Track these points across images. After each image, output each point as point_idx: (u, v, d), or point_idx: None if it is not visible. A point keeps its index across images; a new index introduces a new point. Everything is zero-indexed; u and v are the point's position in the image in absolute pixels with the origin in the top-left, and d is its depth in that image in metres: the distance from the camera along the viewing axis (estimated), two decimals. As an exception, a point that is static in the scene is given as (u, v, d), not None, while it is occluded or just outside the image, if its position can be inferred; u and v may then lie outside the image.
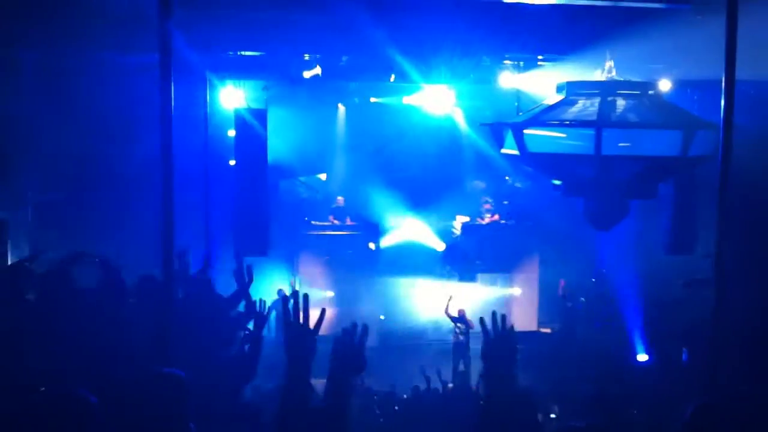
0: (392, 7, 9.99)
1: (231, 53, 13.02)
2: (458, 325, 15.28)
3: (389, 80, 14.31)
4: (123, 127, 13.83)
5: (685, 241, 14.22)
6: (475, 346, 15.33)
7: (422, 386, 11.42)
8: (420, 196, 18.37)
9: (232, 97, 14.30)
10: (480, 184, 18.97)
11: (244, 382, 6.34)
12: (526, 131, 9.36)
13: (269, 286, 15.39)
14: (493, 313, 3.70)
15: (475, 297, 17.01)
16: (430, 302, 17.04)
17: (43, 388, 5.22)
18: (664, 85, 12.72)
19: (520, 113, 11.69)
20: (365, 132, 18.10)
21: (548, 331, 17.58)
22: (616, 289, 16.85)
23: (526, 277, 17.86)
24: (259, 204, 13.23)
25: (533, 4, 9.95)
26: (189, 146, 13.61)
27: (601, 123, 8.89)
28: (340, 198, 17.98)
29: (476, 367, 14.33)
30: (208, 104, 13.07)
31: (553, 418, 10.57)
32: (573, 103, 9.58)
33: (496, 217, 17.86)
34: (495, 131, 10.23)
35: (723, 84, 5.06)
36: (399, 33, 11.04)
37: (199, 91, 12.77)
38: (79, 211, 13.51)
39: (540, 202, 16.29)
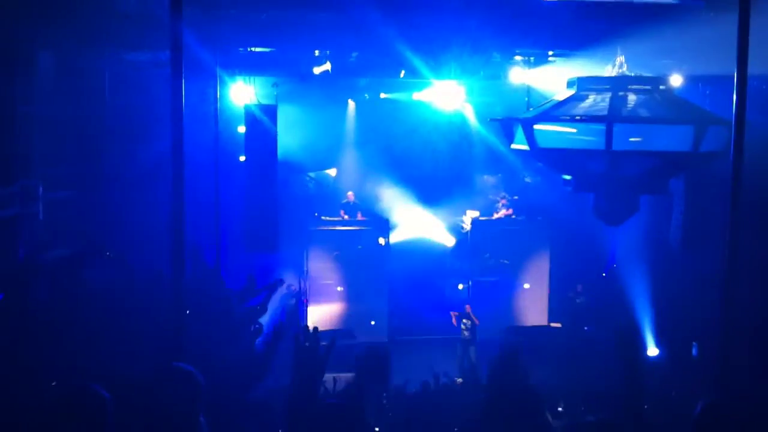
0: (402, 4, 9.98)
1: (241, 50, 13.05)
2: (464, 320, 15.29)
3: (399, 76, 14.32)
4: (135, 124, 13.89)
5: (697, 237, 14.15)
6: (482, 340, 15.36)
7: (431, 382, 11.43)
8: (430, 192, 18.37)
9: (242, 93, 14.34)
10: (490, 179, 18.94)
11: (255, 379, 6.37)
12: (536, 126, 9.34)
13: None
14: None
15: (484, 292, 17.00)
16: (440, 297, 17.05)
17: (54, 383, 5.27)
18: (676, 81, 12.67)
19: (531, 109, 11.67)
20: (375, 128, 18.10)
21: (558, 326, 17.54)
22: (626, 284, 16.80)
23: (536, 272, 17.82)
24: (269, 200, 13.27)
25: (544, 0, 9.93)
26: (199, 143, 13.68)
27: (611, 118, 8.86)
28: (350, 193, 17.98)
29: (483, 362, 14.33)
30: (218, 100, 13.10)
31: (560, 412, 10.57)
32: (584, 98, 9.55)
33: (510, 211, 17.85)
34: (505, 127, 10.22)
35: (735, 80, 5.03)
36: (409, 29, 11.03)
37: (209, 87, 12.81)
38: (90, 208, 13.58)
39: (550, 198, 16.26)
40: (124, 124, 14.06)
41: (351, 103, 18.55)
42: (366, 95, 18.03)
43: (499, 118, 10.83)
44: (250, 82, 14.30)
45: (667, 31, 10.37)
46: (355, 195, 18.11)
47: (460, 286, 17.12)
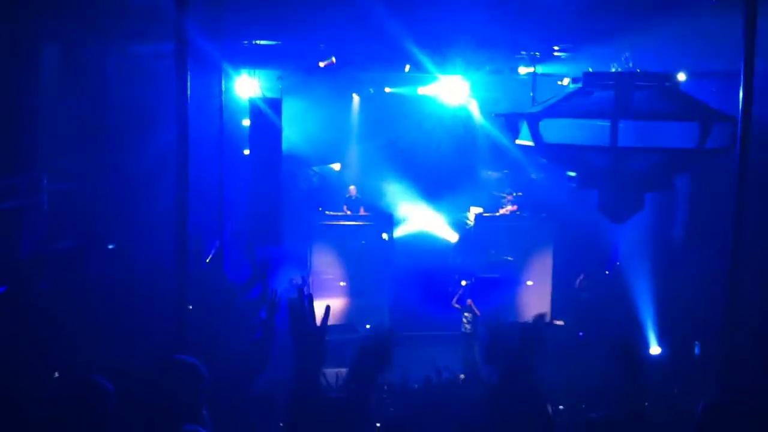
0: (408, 1, 9.96)
1: (246, 43, 13.04)
2: (466, 314, 15.27)
3: (404, 70, 14.30)
4: (139, 116, 13.90)
5: (701, 234, 14.12)
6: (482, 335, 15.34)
7: (434, 377, 11.43)
8: (434, 187, 18.34)
9: (247, 86, 14.34)
10: (494, 175, 18.90)
11: (257, 372, 6.37)
12: (541, 122, 9.31)
13: (283, 275, 15.41)
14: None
15: (487, 288, 16.98)
16: (443, 293, 17.03)
17: (56, 374, 5.28)
18: (681, 77, 12.62)
19: (536, 104, 11.64)
20: (380, 122, 18.07)
21: (561, 323, 17.51)
22: (629, 281, 16.77)
23: (539, 269, 17.79)
24: (273, 193, 13.26)
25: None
26: (204, 136, 13.67)
27: (617, 114, 8.83)
28: (352, 187, 17.97)
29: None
30: (223, 94, 13.08)
31: (561, 410, 10.56)
32: (589, 94, 9.52)
33: (514, 207, 17.81)
34: (510, 122, 10.19)
35: (741, 75, 5.00)
36: (414, 23, 11.01)
37: (214, 80, 12.79)
38: (94, 200, 13.60)
39: (555, 194, 16.22)
40: (128, 116, 14.07)
41: (356, 97, 18.52)
42: (371, 89, 18.00)
43: (504, 113, 10.81)
44: (254, 75, 14.28)
45: (672, 25, 10.33)
46: (359, 189, 18.09)
47: (463, 282, 17.09)
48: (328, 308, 3.70)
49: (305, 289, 3.63)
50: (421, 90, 16.85)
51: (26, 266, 6.35)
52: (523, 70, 13.90)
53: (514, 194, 17.90)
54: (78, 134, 13.02)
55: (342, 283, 17.17)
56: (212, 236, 11.75)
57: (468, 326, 15.23)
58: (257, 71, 14.41)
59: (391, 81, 17.32)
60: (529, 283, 17.80)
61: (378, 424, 5.70)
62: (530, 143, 9.51)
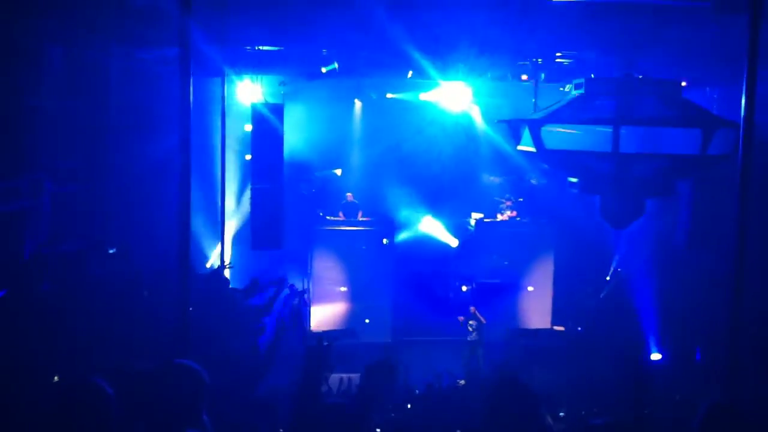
0: (410, 4, 9.96)
1: (249, 48, 13.06)
2: (471, 322, 15.25)
3: (407, 76, 14.30)
4: (141, 120, 13.91)
5: (703, 239, 14.12)
6: (488, 342, 15.33)
7: (435, 383, 11.43)
8: (435, 193, 18.33)
9: (249, 91, 14.35)
10: (495, 180, 18.90)
11: (258, 377, 6.37)
12: (543, 128, 9.32)
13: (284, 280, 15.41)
14: None
15: (488, 294, 16.97)
16: (443, 298, 17.03)
17: (56, 377, 5.28)
18: (683, 83, 12.64)
19: (538, 110, 11.65)
20: (381, 128, 18.07)
21: (561, 329, 17.50)
22: (631, 287, 16.77)
23: (540, 274, 17.78)
24: (274, 198, 13.28)
25: (552, 1, 9.90)
26: (206, 140, 13.72)
27: (619, 120, 8.84)
28: (349, 194, 17.99)
29: (488, 364, 14.32)
30: (225, 98, 13.12)
31: (562, 417, 10.54)
32: (591, 100, 9.53)
33: (514, 213, 17.80)
34: (512, 128, 10.20)
35: (744, 82, 5.00)
36: (416, 29, 11.01)
37: (216, 85, 12.83)
38: (96, 203, 13.60)
39: (556, 200, 16.22)
40: (130, 119, 14.09)
41: (357, 103, 18.54)
42: (373, 95, 18.02)
43: (506, 119, 10.83)
44: (257, 80, 14.31)
45: (675, 32, 10.34)
46: (361, 194, 18.10)
47: (464, 288, 17.08)
48: (327, 347, 3.69)
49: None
50: (423, 96, 16.85)
51: (28, 268, 6.35)
52: (525, 76, 13.89)
53: (514, 200, 17.90)
54: (80, 136, 13.03)
55: (343, 288, 17.16)
56: (214, 240, 11.77)
57: (474, 334, 15.18)
58: (260, 76, 14.42)
59: (393, 87, 17.33)
60: (530, 288, 17.78)
61: (378, 430, 5.70)
62: (532, 149, 9.52)
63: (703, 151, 8.64)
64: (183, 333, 5.04)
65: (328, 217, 17.52)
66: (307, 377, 3.53)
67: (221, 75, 12.50)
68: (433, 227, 18.67)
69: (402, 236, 18.18)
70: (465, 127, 18.14)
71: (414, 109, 17.50)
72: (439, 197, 18.39)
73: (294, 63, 13.78)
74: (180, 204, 5.20)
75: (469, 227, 17.96)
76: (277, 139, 13.13)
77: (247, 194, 13.70)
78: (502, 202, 17.89)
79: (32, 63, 11.08)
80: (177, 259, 5.22)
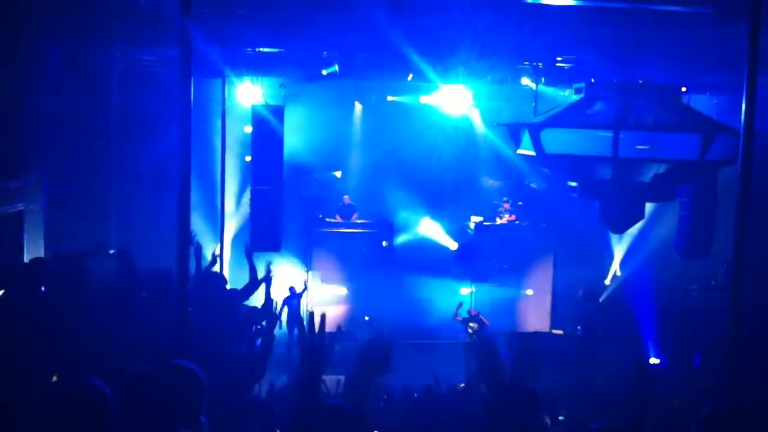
0: (410, 7, 9.97)
1: (249, 50, 13.06)
2: (471, 324, 15.22)
3: (407, 79, 14.31)
4: (141, 122, 13.92)
5: (701, 245, 14.13)
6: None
7: (434, 386, 11.41)
8: (435, 196, 18.35)
9: (249, 93, 14.35)
10: (493, 183, 18.88)
11: (256, 378, 6.35)
12: (543, 132, 9.33)
13: (283, 281, 15.41)
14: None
15: (487, 297, 16.97)
16: (443, 301, 17.01)
17: (54, 378, 5.27)
18: (683, 89, 12.65)
19: (538, 114, 11.65)
20: (381, 130, 18.08)
21: (560, 332, 17.49)
22: (629, 291, 16.77)
23: (539, 278, 17.78)
24: (273, 200, 13.27)
25: (552, 5, 9.91)
26: (206, 142, 13.72)
27: (619, 125, 8.85)
28: (346, 197, 18.02)
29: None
30: (225, 100, 13.11)
31: (561, 420, 10.53)
32: (591, 104, 9.55)
33: (513, 217, 17.79)
34: (512, 131, 10.23)
35: (744, 88, 5.00)
36: (417, 32, 11.02)
37: (217, 86, 12.83)
38: (95, 204, 13.60)
39: (556, 204, 16.23)
40: (130, 121, 14.10)
41: (358, 105, 18.55)
42: (373, 98, 18.02)
43: (506, 123, 10.84)
44: (257, 82, 14.31)
45: (675, 37, 10.35)
46: (361, 197, 18.11)
47: (463, 291, 17.08)
48: (323, 316, 3.70)
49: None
50: (424, 99, 16.86)
51: (26, 269, 6.34)
52: (525, 79, 13.91)
53: (512, 202, 17.89)
54: (80, 138, 13.03)
55: (342, 290, 17.16)
56: (213, 242, 11.76)
57: (474, 336, 15.15)
58: (260, 78, 14.42)
59: (394, 89, 17.34)
60: (529, 292, 17.78)
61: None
62: (532, 153, 9.53)
63: (703, 157, 8.65)
64: (181, 334, 5.04)
65: (327, 219, 17.53)
66: (304, 374, 3.52)
67: (221, 76, 12.51)
68: (432, 230, 18.67)
69: (401, 239, 18.19)
70: (465, 130, 18.15)
71: (414, 112, 17.50)
72: (438, 200, 18.41)
73: (294, 65, 13.79)
74: (179, 205, 5.20)
75: (469, 230, 17.95)
76: (277, 141, 13.12)
77: (247, 196, 13.68)
78: (501, 205, 17.89)
79: (32, 64, 11.08)
80: (176, 261, 5.22)
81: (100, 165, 13.92)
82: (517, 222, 17.82)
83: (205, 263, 6.93)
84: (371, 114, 18.42)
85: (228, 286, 7.37)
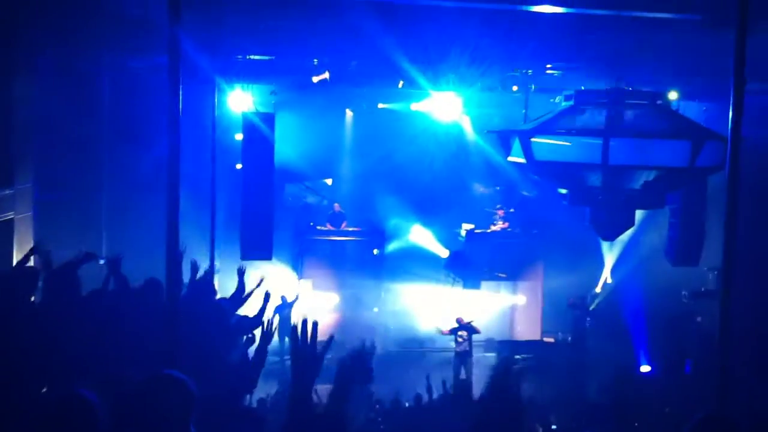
0: (401, 14, 9.99)
1: (240, 57, 13.06)
2: (460, 332, 15.18)
3: (397, 86, 14.33)
4: (132, 129, 13.89)
5: (691, 252, 14.18)
6: (477, 354, 15.31)
7: (424, 394, 11.38)
8: (426, 203, 18.35)
9: (240, 100, 14.34)
10: (484, 190, 18.88)
11: (246, 389, 6.33)
12: (533, 139, 9.36)
13: (274, 290, 15.34)
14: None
15: (478, 305, 16.97)
16: (434, 309, 17.02)
17: (44, 389, 5.23)
18: (672, 96, 12.71)
19: (528, 121, 11.69)
20: (372, 137, 18.09)
21: (551, 340, 17.52)
22: (620, 299, 16.82)
23: (530, 286, 17.80)
24: (264, 207, 13.24)
25: (542, 13, 9.94)
26: (196, 150, 13.68)
27: (608, 132, 8.88)
28: (336, 204, 18.03)
29: (478, 375, 14.28)
30: (216, 107, 13.09)
31: (554, 429, 10.53)
32: (581, 111, 9.58)
33: (506, 225, 17.81)
34: (502, 139, 10.25)
35: (731, 94, 5.03)
36: (408, 39, 11.05)
37: (207, 94, 12.81)
38: (85, 212, 13.55)
39: (547, 211, 16.26)
40: (121, 128, 14.07)
41: (349, 113, 18.56)
42: (364, 105, 18.04)
43: (496, 130, 10.87)
44: (248, 89, 14.30)
45: (664, 44, 10.40)
46: (352, 204, 18.12)
47: (454, 298, 17.08)
48: (315, 324, 3.68)
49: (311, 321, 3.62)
50: (414, 106, 16.88)
51: (16, 278, 6.31)
52: (515, 87, 13.95)
53: (506, 209, 17.91)
54: (70, 146, 13.00)
55: (333, 298, 17.14)
56: (204, 250, 11.72)
57: (465, 344, 15.11)
58: (250, 85, 14.42)
59: (384, 97, 17.35)
60: (521, 300, 17.80)
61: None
62: (522, 160, 9.55)
63: (692, 164, 8.69)
64: (172, 344, 5.01)
65: (319, 227, 17.52)
66: (296, 383, 3.51)
67: (212, 84, 12.50)
68: (423, 237, 18.67)
69: (393, 246, 18.19)
70: (456, 137, 18.18)
71: (405, 119, 17.52)
72: (430, 207, 18.41)
73: (285, 72, 13.80)
74: (168, 213, 5.18)
75: (460, 238, 17.97)
76: (268, 148, 13.10)
77: (237, 204, 13.65)
78: (494, 213, 17.90)
79: (23, 72, 11.06)
80: (166, 269, 5.19)
81: (90, 173, 13.87)
82: (509, 229, 17.85)
83: (197, 272, 6.92)
84: (362, 121, 18.44)
85: (218, 296, 7.36)
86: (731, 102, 5.02)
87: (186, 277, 6.58)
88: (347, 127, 18.67)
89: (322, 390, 3.58)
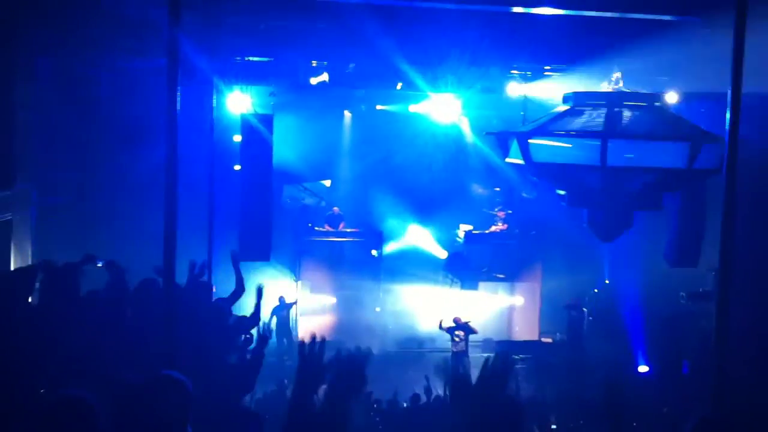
0: (400, 16, 10.01)
1: (238, 59, 13.06)
2: (457, 332, 15.17)
3: (396, 88, 14.34)
4: (131, 131, 13.89)
5: (689, 253, 14.17)
6: (474, 354, 15.30)
7: (422, 394, 11.39)
8: (425, 204, 18.35)
9: (238, 102, 14.34)
10: (482, 191, 18.88)
11: (244, 390, 6.33)
12: (531, 141, 9.36)
13: (272, 291, 15.35)
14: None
15: (476, 306, 16.98)
16: (432, 310, 17.02)
17: (42, 390, 5.23)
18: (671, 97, 12.72)
19: (527, 123, 11.69)
20: (371, 139, 18.10)
21: (549, 340, 17.52)
22: (619, 300, 16.82)
23: (528, 287, 17.81)
24: (263, 209, 13.23)
25: (541, 15, 9.96)
26: (195, 151, 13.67)
27: (607, 134, 8.88)
28: (335, 208, 18.02)
29: (475, 376, 14.26)
30: (214, 109, 13.09)
31: (553, 429, 10.54)
32: (579, 113, 9.58)
33: (505, 226, 17.80)
34: (501, 140, 10.24)
35: (729, 96, 5.04)
36: (407, 41, 11.06)
37: (206, 95, 12.81)
38: (83, 214, 13.55)
39: (546, 212, 16.26)
40: (120, 130, 14.06)
41: (347, 114, 18.56)
42: (362, 106, 18.05)
43: (494, 131, 10.87)
44: (246, 91, 14.30)
45: (663, 46, 10.41)
46: (350, 206, 18.10)
47: (451, 299, 17.08)
48: (323, 342, 3.61)
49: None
50: (413, 108, 16.89)
51: (14, 280, 6.30)
52: (514, 89, 13.96)
53: (505, 211, 17.91)
54: (70, 148, 13.00)
55: (331, 300, 17.14)
56: (202, 252, 11.71)
57: (462, 344, 15.10)
58: (249, 87, 14.42)
59: (383, 98, 17.37)
60: (519, 300, 17.81)
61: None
62: (521, 161, 9.55)
63: (691, 165, 8.69)
64: (170, 344, 5.02)
65: (317, 228, 17.51)
66: (299, 385, 3.50)
67: (211, 85, 12.49)
68: (422, 239, 18.67)
69: (391, 248, 18.18)
70: (454, 139, 18.19)
71: (404, 121, 17.53)
72: (428, 209, 18.41)
73: (284, 74, 13.80)
74: (166, 215, 5.18)
75: (458, 239, 17.97)
76: (266, 149, 13.09)
77: (236, 205, 13.64)
78: (495, 214, 17.90)
79: (22, 74, 11.07)
80: (164, 271, 5.20)
81: (89, 175, 13.88)
82: (507, 230, 17.84)
83: (194, 273, 6.92)
84: (361, 123, 18.45)
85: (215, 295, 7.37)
86: (728, 103, 5.03)
87: (184, 278, 6.59)
88: (346, 129, 18.68)
89: (321, 390, 3.57)
